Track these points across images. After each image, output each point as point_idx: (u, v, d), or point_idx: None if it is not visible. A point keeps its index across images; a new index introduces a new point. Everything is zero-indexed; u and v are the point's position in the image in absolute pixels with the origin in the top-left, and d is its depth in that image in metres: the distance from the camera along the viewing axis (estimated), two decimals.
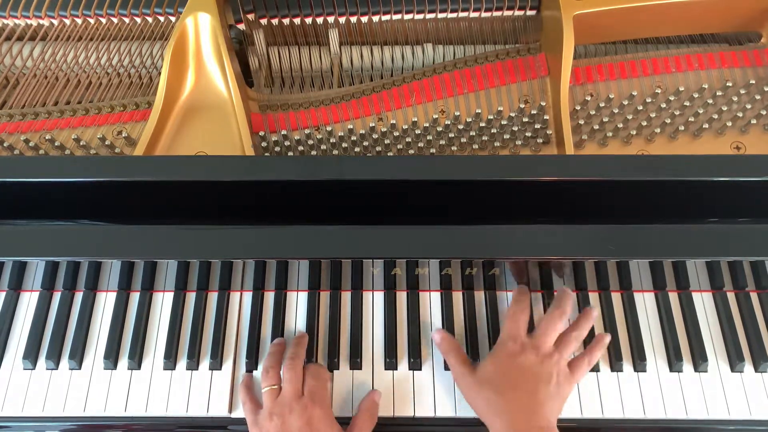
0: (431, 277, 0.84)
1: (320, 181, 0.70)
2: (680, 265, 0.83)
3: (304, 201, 0.73)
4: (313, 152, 0.83)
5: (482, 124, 0.84)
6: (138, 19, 0.92)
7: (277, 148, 0.83)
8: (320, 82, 0.93)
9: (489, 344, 0.81)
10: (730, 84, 0.86)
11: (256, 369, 0.81)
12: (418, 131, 0.82)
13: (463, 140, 0.83)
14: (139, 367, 0.81)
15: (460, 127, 0.84)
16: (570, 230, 0.71)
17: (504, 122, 0.83)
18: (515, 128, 0.83)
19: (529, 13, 0.90)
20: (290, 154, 0.82)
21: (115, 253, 0.73)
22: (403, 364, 0.81)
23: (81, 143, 0.82)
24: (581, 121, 0.84)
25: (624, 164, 0.71)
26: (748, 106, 0.85)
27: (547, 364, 0.72)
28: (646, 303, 0.84)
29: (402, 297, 0.85)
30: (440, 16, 0.90)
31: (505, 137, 0.83)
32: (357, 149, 0.83)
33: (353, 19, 0.89)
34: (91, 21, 0.92)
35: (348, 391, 0.79)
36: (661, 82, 0.88)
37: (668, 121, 0.83)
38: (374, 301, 0.85)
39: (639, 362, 0.80)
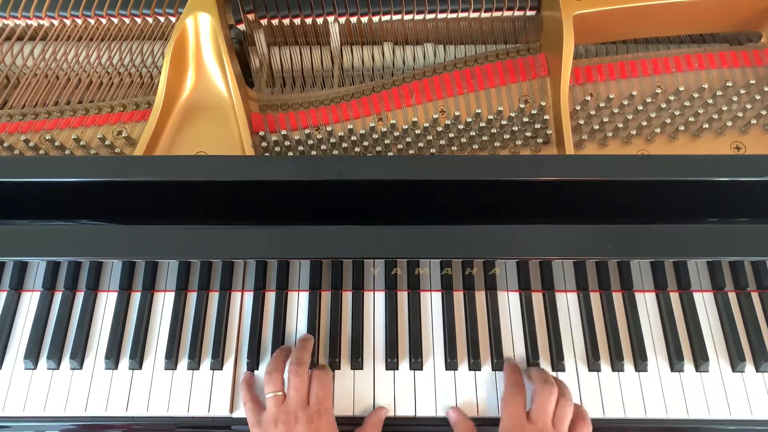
0: (432, 277, 0.84)
1: (320, 181, 0.70)
2: (681, 265, 0.83)
3: (304, 201, 0.73)
4: (313, 152, 0.83)
5: (482, 124, 0.84)
6: (138, 20, 0.92)
7: (277, 148, 0.83)
8: (320, 82, 0.93)
9: (489, 345, 0.81)
10: (730, 84, 0.86)
11: (258, 369, 0.81)
12: (418, 131, 0.82)
13: (463, 140, 0.83)
14: (140, 367, 0.81)
15: (460, 127, 0.84)
16: (570, 230, 0.71)
17: (504, 122, 0.83)
18: (515, 128, 0.83)
19: (529, 13, 0.90)
20: (290, 154, 0.83)
21: (116, 253, 0.73)
22: (404, 363, 0.81)
23: (81, 143, 0.82)
24: (581, 121, 0.84)
25: (624, 164, 0.71)
26: (748, 106, 0.85)
27: None
28: (647, 303, 0.84)
29: (403, 297, 0.85)
30: (440, 16, 0.90)
31: (505, 137, 0.83)
32: (357, 149, 0.83)
33: (353, 19, 0.90)
34: (92, 21, 0.92)
35: (349, 391, 0.79)
36: (661, 82, 0.88)
37: (668, 121, 0.83)
38: (375, 301, 0.85)
39: (640, 362, 0.80)
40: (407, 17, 0.90)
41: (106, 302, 0.85)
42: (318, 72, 0.94)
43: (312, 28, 0.91)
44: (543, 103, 0.84)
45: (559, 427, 0.72)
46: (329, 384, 0.76)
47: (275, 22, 0.89)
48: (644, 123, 0.83)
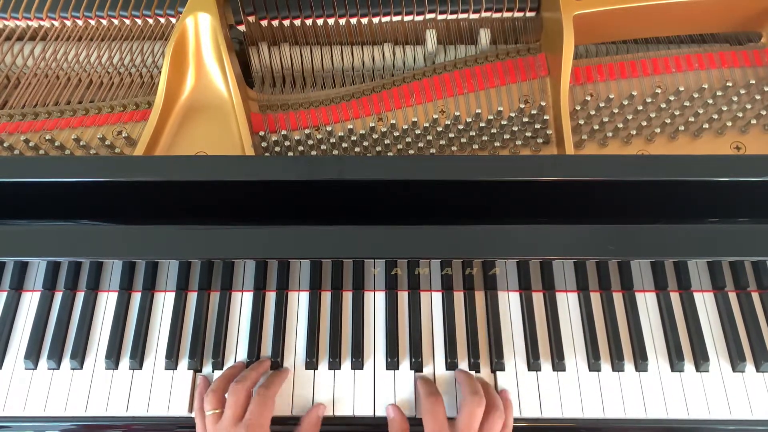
0: (432, 277, 0.84)
1: (320, 181, 0.70)
2: (681, 265, 0.83)
3: (304, 201, 0.73)
4: (313, 152, 0.83)
5: (482, 124, 0.84)
6: (139, 21, 0.92)
7: (277, 148, 0.83)
8: (321, 82, 0.93)
9: (489, 345, 0.81)
10: (730, 84, 0.86)
11: None
12: (418, 131, 0.82)
13: (463, 140, 0.83)
14: (140, 367, 0.81)
15: (460, 127, 0.84)
16: (570, 230, 0.71)
17: (504, 122, 0.83)
18: (515, 128, 0.83)
19: (529, 14, 0.90)
20: (290, 154, 0.83)
21: (116, 253, 0.73)
22: (405, 363, 0.81)
23: (81, 143, 0.82)
24: (581, 121, 0.84)
25: (624, 164, 0.71)
26: (748, 106, 0.85)
27: None
28: (647, 303, 0.84)
29: (403, 297, 0.85)
30: (440, 17, 0.90)
31: (505, 137, 0.83)
32: (357, 149, 0.83)
33: (353, 20, 0.90)
34: (92, 22, 0.92)
35: (350, 392, 0.79)
36: (661, 82, 0.88)
37: (668, 121, 0.83)
38: (375, 301, 0.85)
39: (640, 362, 0.80)
40: (407, 18, 0.90)
41: (107, 302, 0.85)
42: (319, 72, 0.94)
43: (312, 29, 0.91)
44: (543, 103, 0.84)
45: None
46: (269, 403, 0.73)
47: (275, 23, 0.89)
48: (644, 123, 0.83)
